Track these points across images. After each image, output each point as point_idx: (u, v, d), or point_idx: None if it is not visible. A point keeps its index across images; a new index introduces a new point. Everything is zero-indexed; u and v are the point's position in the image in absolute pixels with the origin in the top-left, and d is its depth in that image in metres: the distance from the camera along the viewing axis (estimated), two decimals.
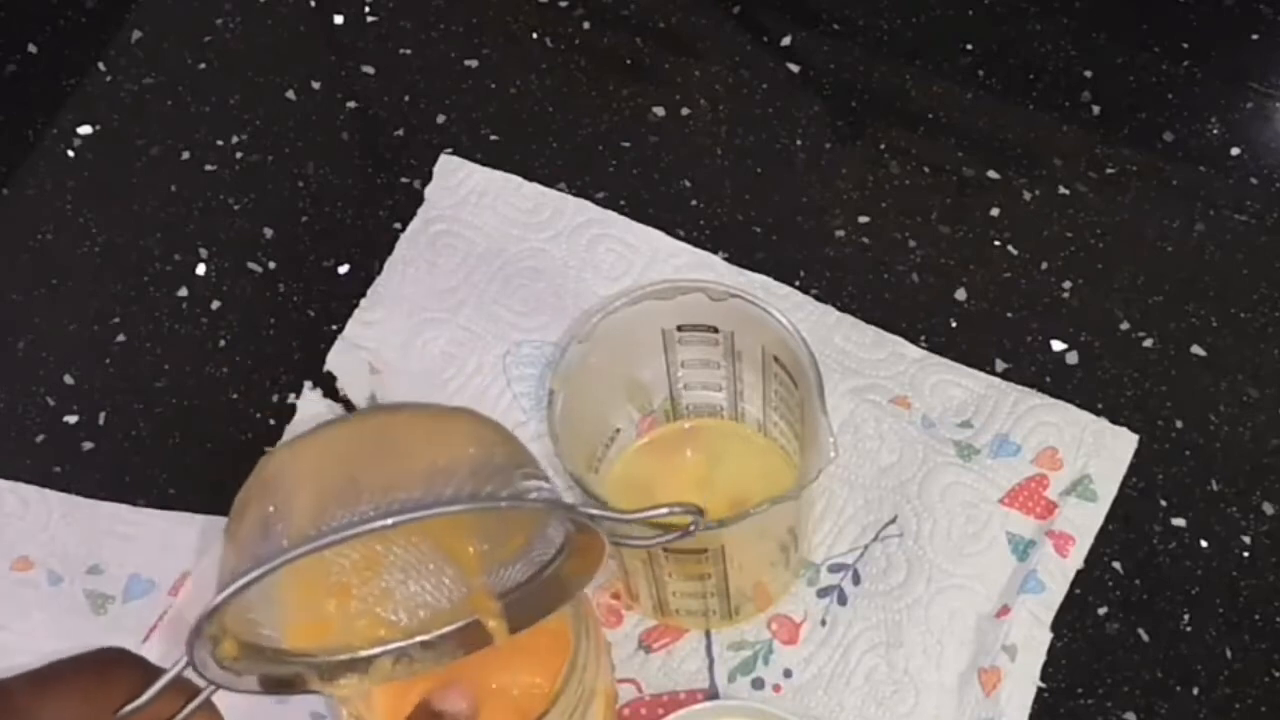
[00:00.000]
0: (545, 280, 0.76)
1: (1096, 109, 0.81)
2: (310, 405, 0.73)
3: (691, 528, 0.54)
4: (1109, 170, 0.79)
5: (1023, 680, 0.65)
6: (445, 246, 0.77)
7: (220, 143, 0.82)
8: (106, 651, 0.49)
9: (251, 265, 0.78)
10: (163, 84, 0.84)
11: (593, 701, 0.59)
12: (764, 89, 0.82)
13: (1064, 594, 0.67)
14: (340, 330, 0.75)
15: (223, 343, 0.76)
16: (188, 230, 0.80)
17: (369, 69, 0.84)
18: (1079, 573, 0.68)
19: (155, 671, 0.48)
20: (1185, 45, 0.82)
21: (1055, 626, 0.66)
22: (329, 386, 0.74)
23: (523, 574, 0.52)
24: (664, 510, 0.52)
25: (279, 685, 0.51)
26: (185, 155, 0.82)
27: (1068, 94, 0.81)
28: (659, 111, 0.82)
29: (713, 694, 0.66)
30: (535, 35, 0.85)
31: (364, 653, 0.52)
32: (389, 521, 0.44)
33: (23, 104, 0.84)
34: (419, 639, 0.52)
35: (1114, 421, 0.71)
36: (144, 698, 0.47)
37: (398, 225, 0.78)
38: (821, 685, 0.66)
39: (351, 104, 0.84)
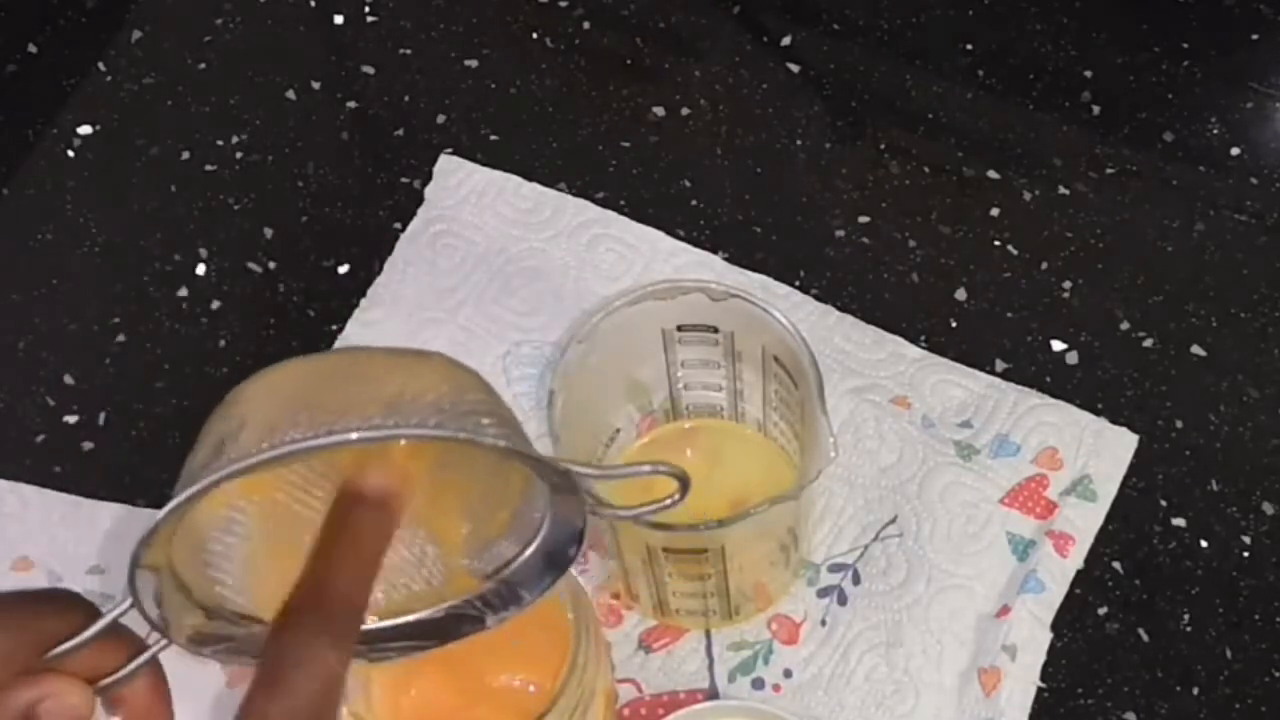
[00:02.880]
0: (545, 280, 0.76)
1: (1096, 109, 0.81)
2: None
3: (676, 496, 0.50)
4: (1109, 170, 0.79)
5: (1023, 680, 0.65)
6: (445, 246, 0.77)
7: (220, 143, 0.82)
8: (52, 591, 0.46)
9: (251, 265, 0.78)
10: (163, 84, 0.84)
11: (593, 701, 0.59)
12: (764, 89, 0.82)
13: (1064, 594, 0.67)
14: (340, 330, 0.75)
15: (223, 343, 0.76)
16: (188, 230, 0.80)
17: (369, 69, 0.85)
18: (1079, 573, 0.68)
19: (93, 616, 0.45)
20: (1185, 45, 0.82)
21: (1055, 626, 0.66)
22: None
23: (509, 554, 0.50)
24: (645, 468, 0.49)
25: (242, 653, 0.48)
26: (185, 155, 0.82)
27: (1068, 94, 0.81)
28: (659, 111, 0.82)
29: (713, 694, 0.66)
30: (535, 35, 0.85)
31: None
32: (331, 439, 0.41)
33: (23, 104, 0.84)
34: (397, 620, 0.50)
35: (1114, 421, 0.71)
36: (78, 639, 0.45)
37: (398, 225, 0.78)
38: (821, 685, 0.66)
39: (351, 104, 0.84)
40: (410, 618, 0.50)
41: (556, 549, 0.49)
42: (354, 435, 0.41)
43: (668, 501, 0.50)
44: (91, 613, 0.45)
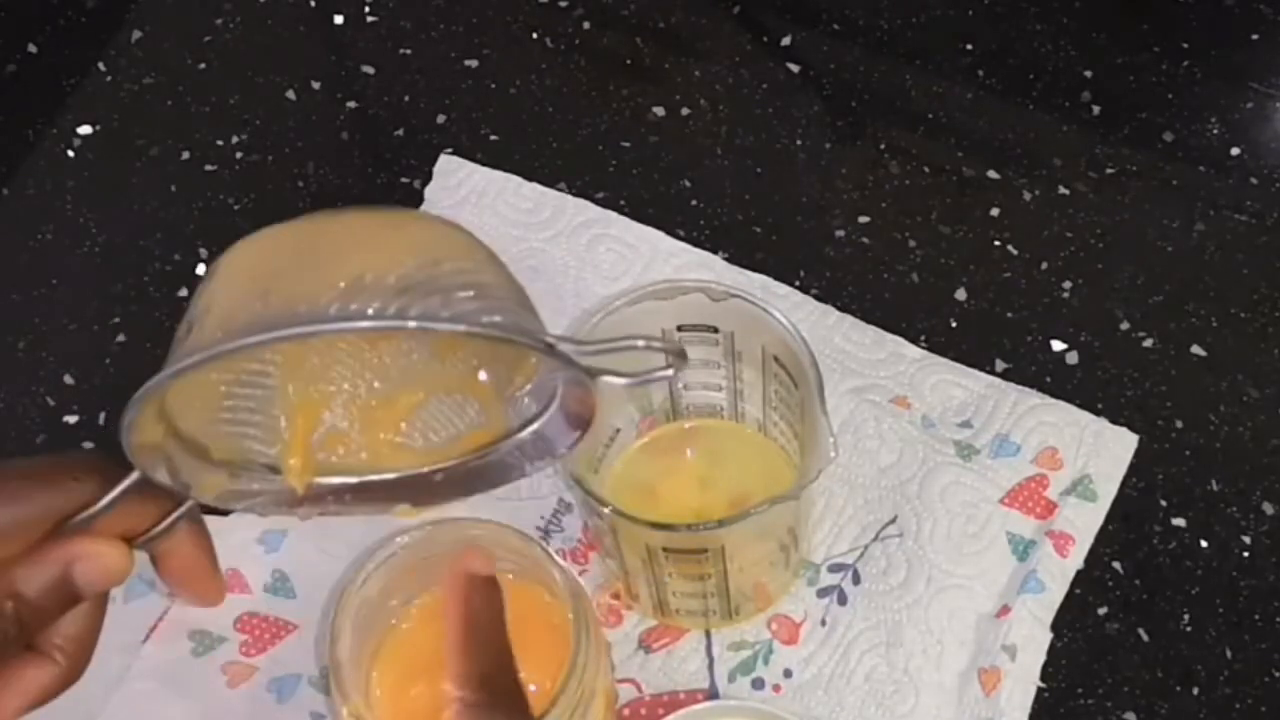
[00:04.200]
0: (545, 280, 0.76)
1: (1096, 109, 0.81)
2: None
3: (670, 370, 0.48)
4: (1109, 170, 0.79)
5: (1023, 680, 0.65)
6: None
7: (220, 143, 0.82)
8: (72, 455, 0.46)
9: None
10: (163, 84, 0.84)
11: (593, 701, 0.59)
12: (764, 89, 0.82)
13: (1064, 594, 0.67)
14: None
15: None
16: (188, 230, 0.80)
17: (369, 69, 0.85)
18: (1079, 573, 0.68)
19: (116, 478, 0.45)
20: (1185, 45, 0.82)
21: (1055, 626, 0.66)
22: None
23: (534, 409, 0.49)
24: (640, 342, 0.47)
25: (280, 504, 0.49)
26: (185, 155, 0.82)
27: (1068, 94, 0.81)
28: (659, 111, 0.82)
29: (713, 694, 0.66)
30: (535, 35, 0.85)
31: (374, 477, 0.49)
32: (276, 335, 0.40)
33: (23, 104, 0.84)
34: (445, 464, 0.50)
35: (1114, 421, 0.71)
36: (101, 503, 0.45)
37: None
38: (821, 685, 0.66)
39: (351, 104, 0.84)
40: (456, 462, 0.50)
41: (574, 410, 0.49)
42: (298, 330, 0.40)
43: (664, 371, 0.48)
44: (114, 475, 0.45)
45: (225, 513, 0.52)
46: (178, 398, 0.45)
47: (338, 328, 0.41)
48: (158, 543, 0.47)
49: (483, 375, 0.49)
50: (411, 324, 0.41)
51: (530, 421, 0.50)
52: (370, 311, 0.41)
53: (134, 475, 0.45)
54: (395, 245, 0.43)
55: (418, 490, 0.50)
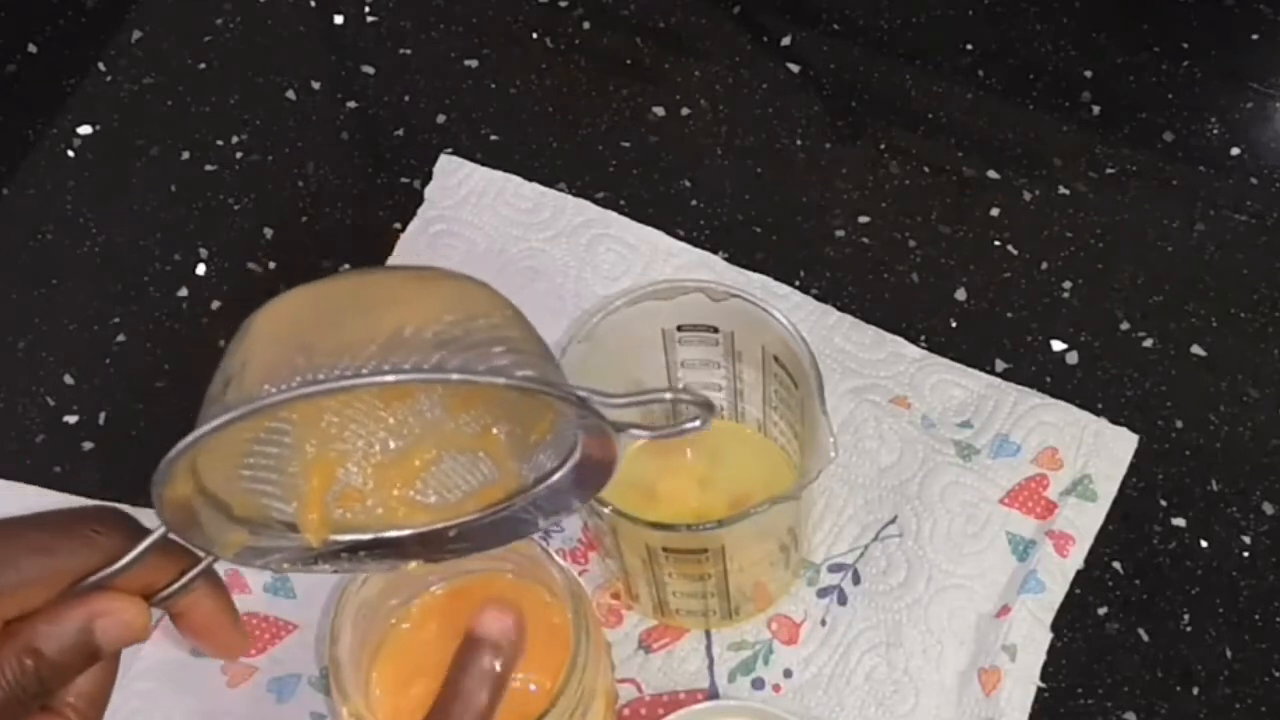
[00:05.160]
0: (545, 280, 0.76)
1: (1096, 109, 0.81)
2: None
3: (699, 419, 0.48)
4: (1109, 170, 0.79)
5: (1023, 680, 0.65)
6: (445, 246, 0.77)
7: (220, 143, 0.82)
8: (97, 509, 0.45)
9: (251, 265, 0.78)
10: (163, 84, 0.84)
11: (593, 701, 0.59)
12: (764, 89, 0.82)
13: (1064, 594, 0.67)
14: None
15: (222, 343, 0.75)
16: (188, 230, 0.80)
17: (369, 69, 0.85)
18: (1079, 573, 0.68)
19: (142, 535, 0.45)
20: (1185, 45, 0.82)
21: (1055, 626, 0.66)
22: None
23: (550, 465, 0.50)
24: (667, 395, 0.48)
25: (296, 561, 0.49)
26: (185, 155, 0.82)
27: (1068, 94, 0.81)
28: (659, 111, 0.82)
29: (713, 694, 0.66)
30: (535, 35, 0.85)
31: (389, 533, 0.50)
32: (323, 388, 0.41)
33: (23, 104, 0.84)
34: (457, 520, 0.50)
35: (1114, 421, 0.71)
36: (125, 560, 0.44)
37: (398, 225, 0.78)
38: (821, 685, 0.66)
39: (351, 104, 0.84)
40: (468, 518, 0.50)
41: (593, 464, 0.49)
42: (347, 382, 0.41)
43: (692, 424, 0.48)
44: (137, 530, 0.45)
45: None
46: (207, 455, 0.45)
47: (379, 380, 0.41)
48: (175, 600, 0.46)
49: (497, 431, 0.49)
50: (454, 377, 0.42)
51: (546, 477, 0.50)
52: (408, 366, 0.41)
53: (159, 532, 0.44)
54: (428, 301, 0.44)
55: (431, 546, 0.51)
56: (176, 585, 0.46)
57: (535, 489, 0.50)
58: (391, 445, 0.49)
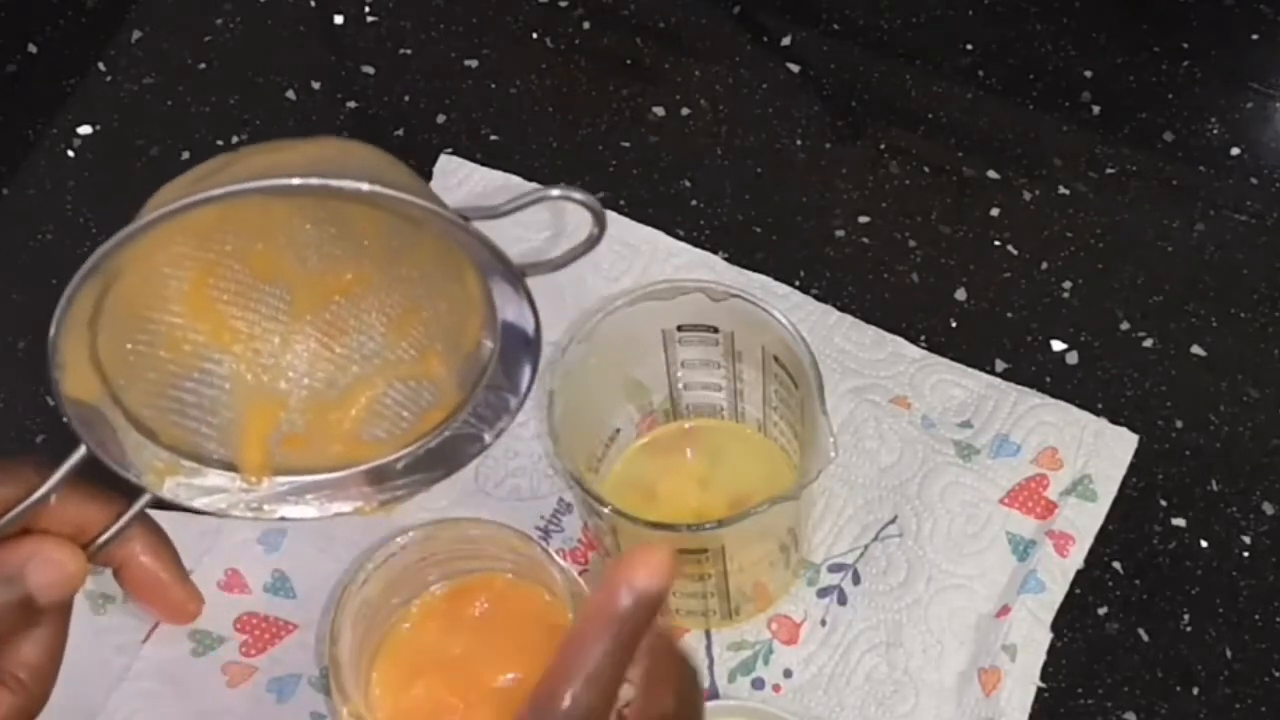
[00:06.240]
0: (545, 280, 0.76)
1: (1096, 109, 0.81)
2: None
3: (595, 233, 0.49)
4: (1109, 170, 0.79)
5: (1023, 680, 0.65)
6: None
7: (220, 143, 0.82)
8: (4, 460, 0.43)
9: None
10: (163, 84, 0.84)
11: None
12: (764, 89, 0.82)
13: (1064, 594, 0.67)
14: None
15: None
16: None
17: (369, 69, 0.84)
18: (1079, 573, 0.68)
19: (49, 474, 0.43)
20: (1185, 45, 0.82)
21: (1055, 626, 0.66)
22: None
23: (485, 359, 0.50)
24: (554, 192, 0.48)
25: (237, 504, 0.48)
26: (185, 155, 0.82)
27: (1068, 94, 0.81)
28: (659, 111, 0.82)
29: (713, 694, 0.66)
30: (535, 35, 0.85)
31: (335, 474, 0.49)
32: (254, 185, 0.42)
33: (23, 104, 0.84)
34: (404, 452, 0.49)
35: (1114, 421, 0.71)
36: (42, 490, 0.42)
37: None
38: (821, 685, 0.66)
39: (351, 104, 0.84)
40: (414, 448, 0.50)
41: (523, 336, 0.50)
42: (253, 185, 0.42)
43: (586, 241, 0.50)
44: (47, 473, 0.43)
45: (205, 513, 0.50)
46: (117, 362, 0.44)
47: (263, 186, 0.42)
48: (113, 551, 0.45)
49: (439, 348, 0.49)
50: (334, 184, 0.42)
51: (479, 380, 0.50)
52: (296, 180, 0.42)
53: (79, 452, 0.43)
54: (351, 155, 0.45)
55: (382, 483, 0.50)
56: (111, 531, 0.44)
57: (474, 394, 0.50)
58: (331, 380, 0.48)
